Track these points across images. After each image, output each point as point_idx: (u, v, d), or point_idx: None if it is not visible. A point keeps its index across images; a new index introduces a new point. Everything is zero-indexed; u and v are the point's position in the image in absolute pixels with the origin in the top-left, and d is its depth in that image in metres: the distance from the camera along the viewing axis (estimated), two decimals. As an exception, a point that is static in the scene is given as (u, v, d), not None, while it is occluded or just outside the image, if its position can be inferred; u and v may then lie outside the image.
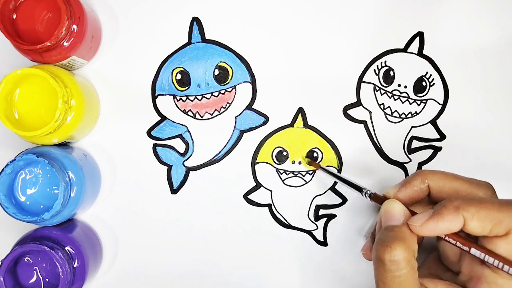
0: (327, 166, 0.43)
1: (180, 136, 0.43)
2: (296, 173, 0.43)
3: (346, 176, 0.41)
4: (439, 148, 0.44)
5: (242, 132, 0.43)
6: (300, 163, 0.43)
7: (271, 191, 0.43)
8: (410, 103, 0.43)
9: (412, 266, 0.32)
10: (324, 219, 0.44)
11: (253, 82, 0.43)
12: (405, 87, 0.43)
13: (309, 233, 0.44)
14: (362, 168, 0.43)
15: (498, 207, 0.32)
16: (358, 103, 0.43)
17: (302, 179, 0.43)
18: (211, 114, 0.43)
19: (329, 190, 0.43)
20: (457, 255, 0.36)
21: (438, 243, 0.38)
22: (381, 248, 0.32)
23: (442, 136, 0.44)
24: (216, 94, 0.43)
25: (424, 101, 0.43)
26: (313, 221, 0.44)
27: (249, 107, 0.43)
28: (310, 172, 0.43)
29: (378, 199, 0.36)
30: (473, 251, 0.32)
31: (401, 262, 0.31)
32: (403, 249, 0.31)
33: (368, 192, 0.37)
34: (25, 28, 0.37)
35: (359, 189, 0.38)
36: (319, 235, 0.44)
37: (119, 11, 0.43)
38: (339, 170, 0.43)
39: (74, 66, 0.41)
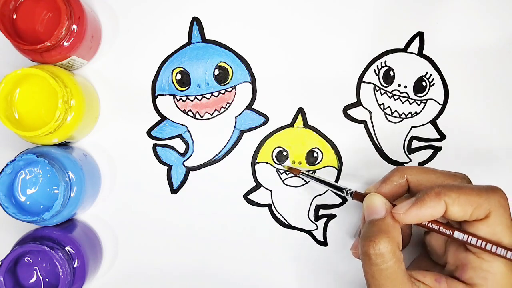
0: (308, 170, 0.43)
1: (180, 136, 0.43)
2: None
3: (326, 178, 0.41)
4: (439, 148, 0.44)
5: (242, 132, 0.43)
6: (300, 163, 0.43)
7: (271, 191, 0.43)
8: (410, 103, 0.43)
9: (398, 258, 0.32)
10: (324, 219, 0.44)
11: (253, 82, 0.43)
12: (405, 87, 0.43)
13: (309, 233, 0.44)
14: (362, 168, 0.43)
15: (477, 192, 0.33)
16: (358, 103, 0.43)
17: (302, 179, 0.43)
18: (211, 114, 0.43)
19: (329, 190, 0.43)
20: (443, 247, 0.37)
21: (425, 238, 0.39)
22: (366, 243, 0.33)
23: (442, 136, 0.44)
24: (216, 94, 0.43)
25: (424, 101, 0.43)
26: (313, 221, 0.44)
27: (249, 107, 0.43)
28: (310, 172, 0.43)
29: (360, 197, 0.37)
30: (456, 234, 0.33)
31: (386, 255, 0.32)
32: (387, 242, 0.32)
33: (350, 190, 0.38)
34: (25, 28, 0.37)
35: (340, 189, 0.39)
36: (319, 235, 0.44)
37: (119, 11, 0.43)
38: (339, 170, 0.43)
39: (74, 66, 0.41)
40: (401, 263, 0.33)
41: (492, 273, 0.33)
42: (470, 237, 0.33)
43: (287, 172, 0.43)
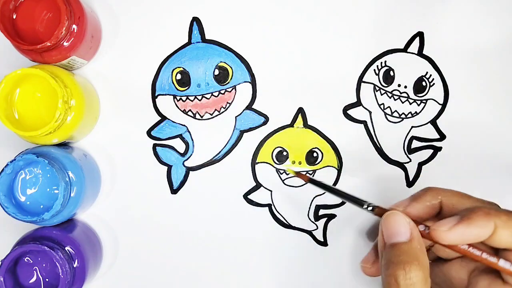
0: (309, 171, 0.42)
1: (180, 136, 0.43)
2: (296, 173, 0.43)
3: (342, 189, 0.37)
4: (439, 148, 0.44)
5: (242, 132, 0.43)
6: (300, 163, 0.43)
7: (271, 191, 0.43)
8: (410, 103, 0.43)
9: (428, 286, 0.30)
10: (324, 219, 0.44)
11: (253, 82, 0.43)
12: (405, 87, 0.43)
13: (309, 233, 0.44)
14: (362, 168, 0.43)
15: None
16: (358, 103, 0.43)
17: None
18: (211, 114, 0.43)
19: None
20: (464, 281, 0.34)
21: (439, 269, 0.36)
22: (394, 271, 0.29)
23: (442, 136, 0.44)
24: (216, 94, 0.43)
25: (424, 101, 0.43)
26: (313, 221, 0.44)
27: (249, 107, 0.43)
28: (310, 172, 0.43)
29: (384, 213, 0.33)
30: (502, 262, 0.30)
31: (418, 284, 0.29)
32: (418, 269, 0.29)
33: (371, 205, 0.34)
34: (25, 28, 0.37)
35: (359, 202, 0.35)
36: (319, 235, 0.44)
37: (119, 11, 0.43)
38: (339, 170, 0.43)
39: (74, 66, 0.41)
40: None
41: None
42: None
43: (287, 172, 0.43)
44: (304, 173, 0.43)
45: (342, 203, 0.44)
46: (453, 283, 0.34)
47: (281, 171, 0.43)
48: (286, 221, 0.43)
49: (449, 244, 0.31)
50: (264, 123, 0.43)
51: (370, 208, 0.34)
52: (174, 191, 0.43)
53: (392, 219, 0.32)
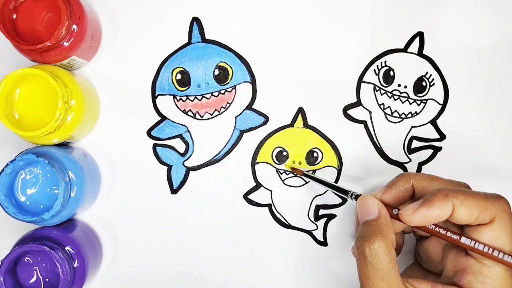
0: (308, 171, 0.43)
1: (180, 136, 0.43)
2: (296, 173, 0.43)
3: (329, 180, 0.41)
4: (439, 148, 0.44)
5: (242, 132, 0.43)
6: (300, 163, 0.43)
7: (271, 191, 0.43)
8: (410, 103, 0.43)
9: (392, 258, 0.33)
10: (324, 219, 0.44)
11: (253, 82, 0.43)
12: (405, 87, 0.43)
13: (309, 233, 0.44)
14: (362, 168, 0.43)
15: (484, 196, 0.33)
16: (358, 103, 0.43)
17: (302, 179, 0.43)
18: (211, 114, 0.43)
19: (329, 190, 0.43)
20: (440, 253, 0.37)
21: (420, 246, 0.39)
22: (361, 243, 0.33)
23: (442, 136, 0.44)
24: (216, 94, 0.43)
25: (424, 101, 0.43)
26: (313, 221, 0.44)
27: (249, 107, 0.43)
28: (310, 172, 0.43)
29: None
30: (464, 239, 0.33)
31: (381, 254, 0.32)
32: (381, 241, 0.33)
33: (354, 194, 0.38)
34: (25, 28, 0.37)
35: (344, 192, 0.39)
36: (319, 235, 0.44)
37: (119, 11, 0.43)
38: (339, 170, 0.43)
39: (74, 66, 0.41)
40: (395, 264, 0.33)
41: (492, 278, 0.33)
42: (477, 242, 0.33)
43: (287, 172, 0.43)
44: (311, 172, 0.43)
45: (342, 203, 0.44)
46: (432, 257, 0.38)
47: (281, 171, 0.43)
48: (286, 221, 0.44)
49: (416, 226, 0.34)
50: (264, 123, 0.43)
51: (353, 197, 0.38)
52: (174, 191, 0.43)
53: (364, 201, 0.36)
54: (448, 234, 0.34)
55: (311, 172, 0.43)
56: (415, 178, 0.37)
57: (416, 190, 0.37)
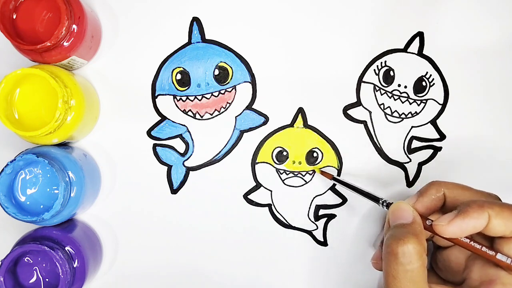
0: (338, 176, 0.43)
1: (180, 136, 0.43)
2: (296, 173, 0.43)
3: (361, 186, 0.41)
4: (439, 148, 0.44)
5: (242, 132, 0.43)
6: (300, 163, 0.43)
7: (271, 191, 0.43)
8: (410, 103, 0.43)
9: (424, 262, 0.32)
10: (324, 219, 0.44)
11: (253, 82, 0.43)
12: (405, 87, 0.43)
13: (309, 233, 0.44)
14: (362, 168, 0.43)
15: None
16: (358, 103, 0.43)
17: (302, 179, 0.43)
18: (211, 114, 0.43)
19: (329, 190, 0.43)
20: (462, 264, 0.36)
21: (440, 255, 0.38)
22: (394, 242, 0.32)
23: (442, 136, 0.44)
24: (216, 94, 0.43)
25: (424, 101, 0.43)
26: (313, 221, 0.44)
27: (249, 107, 0.43)
28: (310, 172, 0.43)
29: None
30: (499, 256, 0.33)
31: (414, 256, 0.32)
32: (416, 242, 0.32)
33: (386, 201, 0.38)
34: (25, 28, 0.37)
35: (375, 199, 0.38)
36: (319, 235, 0.44)
37: (119, 11, 0.43)
38: (339, 170, 0.43)
39: (74, 66, 0.41)
40: (425, 269, 0.32)
41: None
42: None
43: (287, 172, 0.43)
44: (304, 173, 0.43)
45: (342, 203, 0.44)
46: (452, 267, 0.37)
47: (281, 171, 0.43)
48: (286, 221, 0.43)
49: (450, 238, 0.33)
50: (264, 123, 0.43)
51: (385, 204, 0.37)
52: (174, 191, 0.43)
53: (398, 207, 0.35)
54: (483, 249, 0.33)
55: (312, 173, 0.43)
56: (446, 187, 0.37)
57: (447, 199, 0.37)
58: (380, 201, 0.38)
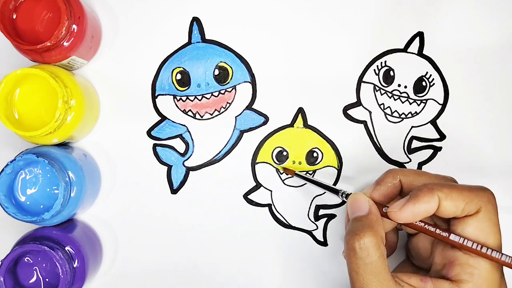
0: (303, 171, 0.43)
1: (180, 136, 0.43)
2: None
3: (321, 180, 0.41)
4: (439, 148, 0.44)
5: (242, 132, 0.43)
6: (300, 163, 0.43)
7: (271, 191, 0.43)
8: (410, 103, 0.43)
9: (382, 253, 0.33)
10: (324, 219, 0.44)
11: (253, 82, 0.43)
12: (405, 87, 0.43)
13: (309, 233, 0.44)
14: (362, 168, 0.43)
15: (468, 189, 0.34)
16: (358, 103, 0.43)
17: (302, 177, 0.43)
18: (211, 114, 0.43)
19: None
20: (429, 249, 0.38)
21: (410, 242, 0.39)
22: (351, 238, 0.33)
23: (442, 136, 0.44)
24: (216, 94, 0.43)
25: (424, 101, 0.43)
26: (313, 221, 0.44)
27: (249, 107, 0.43)
28: (310, 172, 0.43)
29: None
30: (453, 236, 0.34)
31: (371, 248, 0.33)
32: (371, 235, 0.33)
33: (345, 193, 0.38)
34: (25, 28, 0.37)
35: (335, 191, 0.39)
36: (319, 235, 0.44)
37: (119, 11, 0.43)
38: (339, 170, 0.43)
39: (74, 66, 0.41)
40: (385, 259, 0.33)
41: (478, 269, 0.34)
42: (465, 240, 0.33)
43: (287, 172, 0.43)
44: (304, 173, 0.43)
45: (342, 203, 0.44)
46: (421, 253, 0.38)
47: (281, 171, 0.43)
48: (286, 221, 0.44)
49: (405, 222, 0.35)
50: (264, 123, 0.43)
51: (344, 195, 0.38)
52: (174, 191, 0.43)
53: (355, 198, 0.36)
54: (437, 231, 0.34)
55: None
56: (402, 174, 0.37)
57: (404, 186, 0.37)
58: (340, 193, 0.38)
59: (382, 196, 0.37)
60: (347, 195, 0.38)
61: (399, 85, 0.43)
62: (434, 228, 0.34)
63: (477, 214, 0.34)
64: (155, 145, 0.43)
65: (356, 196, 0.36)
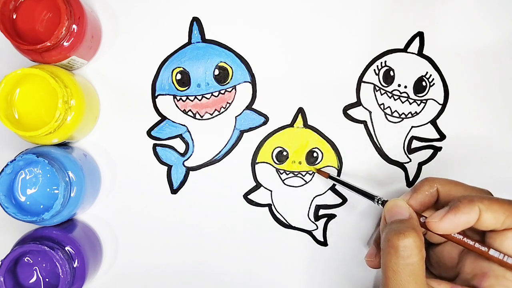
0: (301, 171, 0.43)
1: (180, 136, 0.43)
2: (296, 173, 0.43)
3: (356, 185, 0.41)
4: (439, 148, 0.44)
5: (242, 132, 0.43)
6: (300, 163, 0.43)
7: (271, 191, 0.43)
8: (410, 103, 0.43)
9: (423, 256, 0.32)
10: (324, 219, 0.44)
11: (253, 82, 0.43)
12: (405, 87, 0.43)
13: (309, 233, 0.44)
14: (362, 168, 0.43)
15: (508, 202, 0.33)
16: (358, 103, 0.43)
17: (302, 179, 0.43)
18: (211, 114, 0.43)
19: (329, 190, 0.43)
20: (455, 259, 0.37)
21: (432, 251, 0.39)
22: (395, 236, 0.32)
23: (442, 136, 0.44)
24: (216, 94, 0.43)
25: (424, 101, 0.43)
26: (313, 221, 0.44)
27: (249, 107, 0.43)
28: (310, 172, 0.43)
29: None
30: (492, 251, 0.33)
31: (414, 249, 0.32)
32: (416, 236, 0.32)
33: (381, 199, 0.38)
34: (25, 28, 0.37)
35: (370, 197, 0.39)
36: (319, 235, 0.44)
37: (119, 11, 0.43)
38: (339, 170, 0.43)
39: (74, 66, 0.41)
40: (423, 264, 0.32)
41: None
42: (505, 256, 0.33)
43: (287, 172, 0.43)
44: (304, 173, 0.43)
45: (342, 203, 0.44)
46: (445, 262, 0.37)
47: (281, 171, 0.43)
48: (286, 221, 0.44)
49: (443, 234, 0.34)
50: (264, 123, 0.43)
51: (380, 202, 0.38)
52: (174, 191, 0.43)
53: (394, 204, 0.35)
54: (476, 245, 0.34)
55: (311, 173, 0.43)
56: (439, 183, 0.37)
57: (440, 195, 0.37)
58: (376, 199, 0.38)
59: (418, 204, 0.37)
60: (384, 202, 0.37)
61: (399, 85, 0.43)
62: (473, 242, 0.34)
63: None
64: (155, 145, 0.43)
65: (396, 202, 0.36)
